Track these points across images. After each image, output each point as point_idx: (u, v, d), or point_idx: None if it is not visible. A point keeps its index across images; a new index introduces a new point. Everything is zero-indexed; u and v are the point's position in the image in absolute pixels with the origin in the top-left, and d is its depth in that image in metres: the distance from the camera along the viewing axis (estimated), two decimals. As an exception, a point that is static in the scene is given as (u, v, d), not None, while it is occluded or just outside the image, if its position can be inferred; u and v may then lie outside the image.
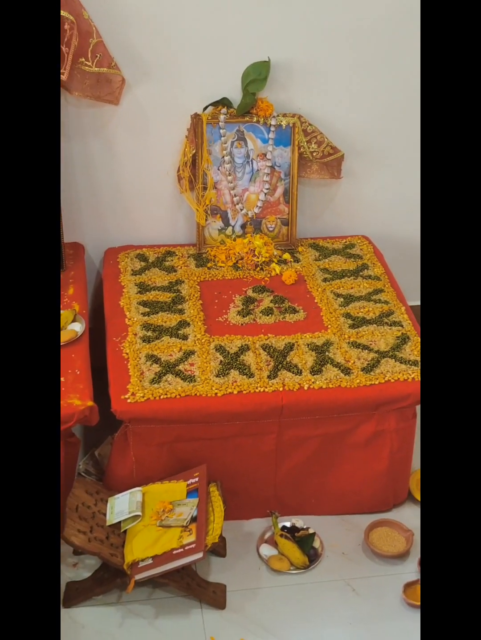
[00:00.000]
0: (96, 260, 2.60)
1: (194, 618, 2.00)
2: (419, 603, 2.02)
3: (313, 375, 2.09)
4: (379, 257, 2.55)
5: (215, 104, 2.40)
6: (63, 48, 2.21)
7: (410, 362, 2.14)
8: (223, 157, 2.45)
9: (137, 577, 1.91)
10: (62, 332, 2.18)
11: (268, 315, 2.30)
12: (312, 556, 2.14)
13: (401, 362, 2.14)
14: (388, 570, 2.13)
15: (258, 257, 2.48)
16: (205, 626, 1.98)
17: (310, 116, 2.46)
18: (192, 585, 2.02)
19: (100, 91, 2.32)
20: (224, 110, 2.40)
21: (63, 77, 2.24)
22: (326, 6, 2.33)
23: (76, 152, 2.43)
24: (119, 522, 2.02)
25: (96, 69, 2.27)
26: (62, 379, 2.05)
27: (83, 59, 2.25)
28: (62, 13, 2.16)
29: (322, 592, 2.07)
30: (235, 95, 2.40)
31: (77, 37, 2.20)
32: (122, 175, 2.50)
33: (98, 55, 2.25)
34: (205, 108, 2.41)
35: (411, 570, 2.12)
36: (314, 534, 2.19)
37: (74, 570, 2.10)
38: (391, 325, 2.27)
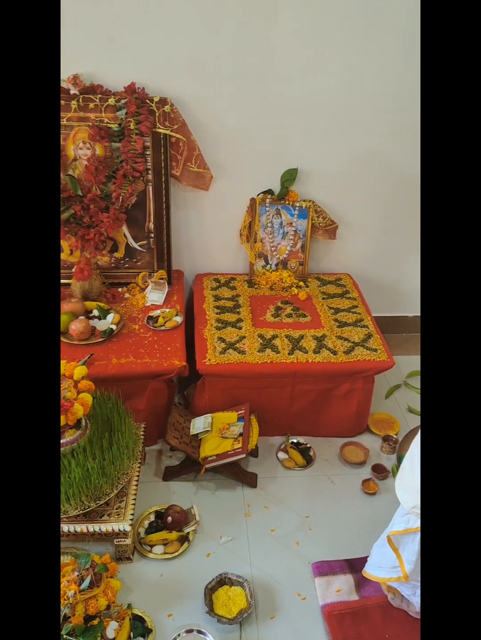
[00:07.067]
0: (190, 280, 2.61)
1: (238, 492, 2.03)
2: (371, 492, 2.04)
3: (315, 354, 2.11)
4: (356, 287, 2.54)
5: (264, 192, 2.41)
6: (178, 156, 2.25)
7: (372, 349, 2.14)
8: (267, 224, 2.46)
9: (207, 466, 1.94)
10: (169, 322, 2.20)
11: (289, 317, 2.31)
12: (308, 460, 2.16)
13: (367, 349, 2.14)
14: (352, 471, 2.14)
15: (285, 283, 2.49)
16: (244, 497, 2.01)
17: (319, 202, 2.46)
18: (237, 473, 2.05)
19: (198, 182, 2.34)
20: (269, 196, 2.41)
21: (177, 174, 2.28)
22: (331, 139, 2.33)
23: (181, 217, 2.44)
24: (197, 433, 2.05)
25: (197, 169, 2.30)
26: (168, 348, 2.07)
27: (189, 163, 2.28)
28: (178, 135, 2.19)
29: (313, 482, 2.09)
30: (276, 187, 2.41)
31: (187, 150, 2.24)
32: (208, 232, 2.50)
33: (198, 162, 2.28)
34: (258, 194, 2.42)
35: (366, 472, 2.13)
36: (310, 447, 2.21)
37: (171, 459, 2.13)
38: (361, 327, 2.27)
